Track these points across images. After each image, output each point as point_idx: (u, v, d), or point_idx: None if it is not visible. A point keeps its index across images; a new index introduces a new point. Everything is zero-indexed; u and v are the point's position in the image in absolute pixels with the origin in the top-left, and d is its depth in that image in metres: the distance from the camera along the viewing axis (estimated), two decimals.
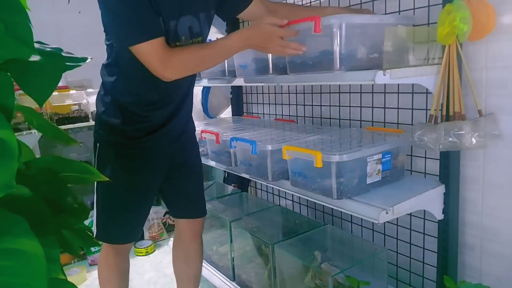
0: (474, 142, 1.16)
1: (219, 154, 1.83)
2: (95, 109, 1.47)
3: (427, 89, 1.30)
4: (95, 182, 1.41)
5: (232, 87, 2.48)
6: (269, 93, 2.28)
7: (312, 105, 1.98)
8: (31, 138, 2.27)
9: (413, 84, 1.46)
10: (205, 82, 1.94)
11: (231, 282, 1.95)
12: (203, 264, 1.76)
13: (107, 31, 1.31)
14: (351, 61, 1.19)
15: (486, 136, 1.18)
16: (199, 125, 1.90)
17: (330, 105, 1.87)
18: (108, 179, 0.78)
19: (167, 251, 2.66)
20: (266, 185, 2.40)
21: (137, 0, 1.15)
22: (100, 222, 1.44)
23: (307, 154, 1.27)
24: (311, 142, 1.44)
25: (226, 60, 1.74)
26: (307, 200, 2.08)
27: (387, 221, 1.34)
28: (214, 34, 1.45)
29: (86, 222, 2.28)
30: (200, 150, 1.72)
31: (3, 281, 0.43)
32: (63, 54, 0.69)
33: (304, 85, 2.00)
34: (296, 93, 2.07)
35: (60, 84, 2.25)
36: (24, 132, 2.29)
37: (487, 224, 1.33)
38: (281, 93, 2.18)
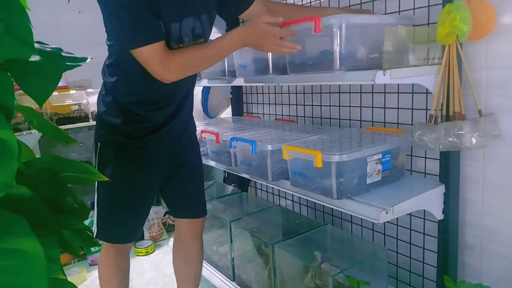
0: (474, 142, 1.16)
1: (219, 154, 1.83)
2: (96, 109, 1.47)
3: (427, 89, 1.30)
4: (96, 182, 1.41)
5: (232, 87, 2.48)
6: (269, 93, 2.28)
7: (312, 105, 1.98)
8: (31, 138, 2.27)
9: (413, 84, 1.46)
10: (205, 82, 1.94)
11: (231, 282, 1.95)
12: (203, 264, 1.76)
13: (108, 32, 1.31)
14: (351, 61, 1.19)
15: (486, 136, 1.18)
16: (199, 125, 1.90)
17: (330, 105, 1.87)
18: (108, 179, 0.79)
19: (167, 251, 2.66)
20: (266, 185, 2.40)
21: (138, 4, 1.15)
22: (100, 222, 1.45)
23: (307, 154, 1.27)
24: (311, 142, 1.44)
25: (226, 60, 1.75)
26: (307, 200, 2.08)
27: (387, 221, 1.34)
28: (214, 34, 1.45)
29: (86, 222, 2.28)
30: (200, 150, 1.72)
31: (3, 281, 0.43)
32: (63, 54, 0.69)
33: (304, 85, 2.00)
34: (296, 93, 2.07)
35: (60, 84, 2.25)
36: (24, 132, 2.29)
37: (487, 224, 1.33)
38: (281, 93, 2.18)
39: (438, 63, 1.24)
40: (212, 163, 1.92)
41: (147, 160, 1.43)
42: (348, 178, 1.24)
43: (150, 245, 2.69)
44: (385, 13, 1.53)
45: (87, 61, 0.75)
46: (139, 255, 2.64)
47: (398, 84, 1.53)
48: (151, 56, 1.20)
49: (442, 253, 1.35)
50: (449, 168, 1.31)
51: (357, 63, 1.21)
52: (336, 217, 1.93)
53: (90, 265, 2.54)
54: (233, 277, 1.98)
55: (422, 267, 1.55)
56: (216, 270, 2.07)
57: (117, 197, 1.42)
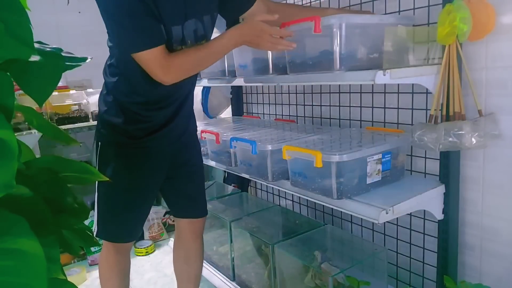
0: (474, 142, 1.16)
1: (219, 154, 1.83)
2: (96, 109, 1.47)
3: (427, 89, 1.30)
4: (96, 181, 1.41)
5: (232, 87, 2.48)
6: (269, 93, 2.28)
7: (312, 105, 1.98)
8: (31, 138, 2.27)
9: (413, 84, 1.46)
10: (205, 82, 1.94)
11: (231, 282, 1.95)
12: (203, 264, 1.76)
13: (109, 33, 1.32)
14: (351, 61, 1.19)
15: (486, 136, 1.18)
16: (199, 125, 1.90)
17: (330, 105, 1.87)
18: (108, 179, 0.79)
19: (167, 251, 2.66)
20: (266, 185, 2.40)
21: (138, 8, 1.15)
22: (100, 221, 1.45)
23: (307, 154, 1.27)
24: (311, 142, 1.44)
25: (226, 60, 1.75)
26: (307, 200, 2.08)
27: (387, 221, 1.34)
28: (214, 34, 1.45)
29: (86, 222, 2.28)
30: None
31: (3, 281, 0.43)
32: (63, 54, 0.69)
33: (304, 85, 2.00)
34: (296, 93, 2.07)
35: (60, 84, 2.25)
36: (24, 132, 2.29)
37: (487, 224, 1.33)
38: (281, 93, 2.18)
39: (438, 63, 1.24)
40: (212, 163, 1.92)
41: (147, 160, 1.44)
42: (348, 178, 1.24)
43: (150, 245, 2.69)
44: (385, 13, 1.53)
45: (87, 61, 0.75)
46: (139, 255, 2.64)
47: (398, 84, 1.53)
48: (152, 60, 1.21)
49: (442, 253, 1.35)
50: (449, 168, 1.31)
51: (357, 63, 1.21)
52: (336, 217, 1.93)
53: (90, 265, 2.54)
54: (233, 277, 1.98)
55: (422, 267, 1.55)
56: (216, 270, 2.07)
57: (117, 197, 1.43)
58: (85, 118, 2.71)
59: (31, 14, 0.58)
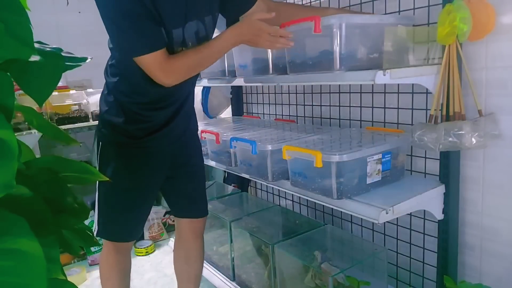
0: (474, 142, 1.16)
1: (219, 154, 1.83)
2: (96, 109, 1.48)
3: (427, 89, 1.30)
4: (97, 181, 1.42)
5: (232, 87, 2.48)
6: (269, 93, 2.28)
7: (312, 105, 1.98)
8: (31, 138, 2.27)
9: (413, 84, 1.46)
10: (205, 82, 1.94)
11: (231, 282, 1.95)
12: (203, 264, 1.76)
13: (109, 35, 1.32)
14: (351, 61, 1.19)
15: (486, 136, 1.18)
16: (199, 125, 1.91)
17: (330, 105, 1.87)
18: (108, 179, 0.79)
19: (167, 251, 2.66)
20: (266, 185, 2.40)
21: (138, 11, 1.16)
22: (101, 220, 1.46)
23: (307, 154, 1.27)
24: (311, 142, 1.44)
25: (226, 60, 1.75)
26: (307, 200, 2.08)
27: (387, 221, 1.34)
28: (214, 34, 1.46)
29: (86, 222, 2.28)
30: None
31: (3, 281, 0.43)
32: (63, 54, 0.69)
33: (304, 85, 2.00)
34: (296, 93, 2.07)
35: (60, 84, 2.25)
36: (24, 132, 2.29)
37: (487, 224, 1.33)
38: (281, 93, 2.18)
39: (438, 63, 1.24)
40: (212, 163, 1.92)
41: (148, 159, 1.44)
42: (348, 178, 1.24)
43: (150, 245, 2.69)
44: (385, 13, 1.53)
45: (87, 61, 0.75)
46: (139, 255, 2.64)
47: (398, 84, 1.53)
48: (152, 63, 1.21)
49: (442, 253, 1.35)
50: (449, 168, 1.31)
51: (357, 63, 1.21)
52: (336, 217, 1.93)
53: (90, 265, 2.54)
54: (233, 277, 1.98)
55: (422, 267, 1.55)
56: (216, 270, 2.07)
57: (118, 196, 1.43)
58: (85, 118, 2.71)
59: (31, 14, 0.58)
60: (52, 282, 0.57)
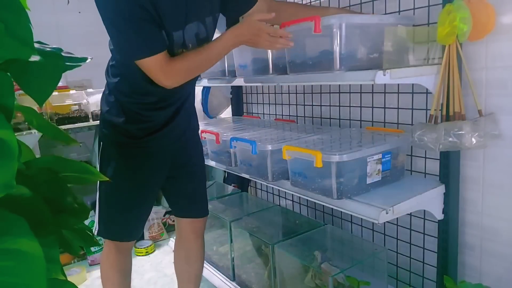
0: (474, 142, 1.16)
1: (219, 154, 1.83)
2: (96, 109, 1.48)
3: (427, 89, 1.30)
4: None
5: (232, 87, 2.48)
6: (269, 93, 2.28)
7: (312, 105, 1.98)
8: (31, 138, 2.27)
9: (413, 84, 1.46)
10: (205, 82, 1.94)
11: (231, 282, 1.95)
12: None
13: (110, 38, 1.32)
14: (351, 61, 1.19)
15: (486, 136, 1.18)
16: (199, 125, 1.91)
17: (330, 105, 1.87)
18: (108, 179, 0.79)
19: (167, 251, 2.66)
20: (266, 185, 2.40)
21: (139, 15, 1.16)
22: (102, 219, 1.46)
23: (307, 154, 1.27)
24: (311, 142, 1.43)
25: (226, 60, 1.75)
26: (307, 200, 2.08)
27: (387, 221, 1.34)
28: (215, 34, 1.46)
29: (86, 222, 2.28)
30: None
31: (3, 281, 0.43)
32: (63, 54, 0.69)
33: (304, 85, 2.00)
34: (296, 93, 2.07)
35: (60, 84, 2.25)
36: (24, 132, 2.29)
37: (487, 224, 1.33)
38: (281, 93, 2.18)
39: (438, 63, 1.24)
40: (212, 163, 1.92)
41: (148, 159, 1.44)
42: (348, 178, 1.24)
43: (150, 245, 2.69)
44: (385, 13, 1.53)
45: (87, 61, 0.75)
46: (139, 255, 2.64)
47: (398, 84, 1.53)
48: (153, 66, 1.22)
49: (442, 253, 1.35)
50: (449, 168, 1.31)
51: (357, 63, 1.21)
52: (336, 217, 1.93)
53: (90, 265, 2.54)
54: (233, 277, 1.98)
55: (422, 267, 1.55)
56: (216, 270, 2.07)
57: (118, 196, 1.43)
58: (85, 118, 2.71)
59: (31, 14, 0.58)
60: (52, 282, 0.57)
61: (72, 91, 2.76)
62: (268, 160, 1.47)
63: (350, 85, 1.74)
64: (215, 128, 1.87)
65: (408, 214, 1.55)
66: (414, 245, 1.57)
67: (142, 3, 1.15)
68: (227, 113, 2.73)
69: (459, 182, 1.34)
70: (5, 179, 0.44)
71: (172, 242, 2.35)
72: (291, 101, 2.12)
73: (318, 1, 1.84)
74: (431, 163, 1.46)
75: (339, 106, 1.82)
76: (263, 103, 2.34)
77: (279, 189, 1.83)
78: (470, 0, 1.15)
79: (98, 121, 1.52)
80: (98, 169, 1.44)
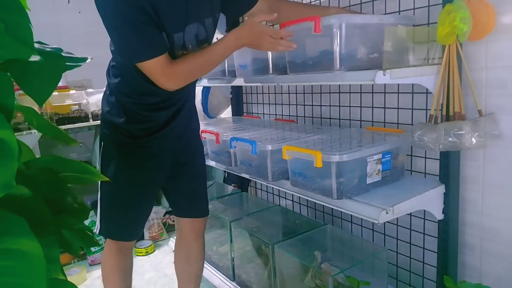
0: (474, 142, 1.16)
1: (219, 154, 1.83)
2: (97, 109, 1.48)
3: (427, 89, 1.30)
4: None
5: (232, 87, 2.48)
6: (269, 93, 2.28)
7: (312, 105, 1.98)
8: (31, 138, 2.27)
9: (413, 84, 1.46)
10: (205, 82, 1.94)
11: (231, 282, 1.95)
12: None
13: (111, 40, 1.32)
14: (351, 61, 1.19)
15: (486, 136, 1.18)
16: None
17: (330, 105, 1.87)
18: (108, 179, 0.79)
19: (167, 251, 2.66)
20: (266, 185, 2.40)
21: (139, 18, 1.16)
22: (103, 219, 1.47)
23: (307, 154, 1.27)
24: (311, 142, 1.43)
25: (226, 60, 1.75)
26: (307, 200, 2.08)
27: (387, 221, 1.34)
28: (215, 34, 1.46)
29: (86, 222, 2.28)
30: None
31: (3, 281, 0.43)
32: (63, 54, 0.69)
33: (304, 85, 2.00)
34: (296, 93, 2.07)
35: (60, 84, 2.25)
36: (24, 132, 2.29)
37: (487, 224, 1.33)
38: (281, 93, 2.18)
39: (438, 63, 1.24)
40: (212, 163, 1.92)
41: (149, 159, 1.44)
42: (348, 178, 1.24)
43: (150, 245, 2.69)
44: (385, 13, 1.53)
45: (87, 61, 0.75)
46: (139, 255, 2.64)
47: (398, 84, 1.53)
48: (155, 68, 1.22)
49: (442, 253, 1.35)
50: (449, 168, 1.31)
51: (357, 63, 1.21)
52: (336, 217, 1.93)
53: (90, 265, 2.54)
54: (233, 277, 1.98)
55: (422, 267, 1.55)
56: (216, 270, 2.07)
57: (119, 195, 1.43)
58: (85, 118, 2.71)
59: (31, 14, 0.58)
60: (52, 282, 0.57)
61: (72, 91, 2.76)
62: (268, 160, 1.47)
63: (350, 85, 1.74)
64: (215, 128, 1.87)
65: (408, 214, 1.55)
66: (414, 245, 1.57)
67: (142, 5, 1.15)
68: (227, 113, 2.73)
69: (459, 182, 1.34)
70: (5, 179, 0.44)
71: (172, 242, 2.35)
72: (291, 101, 2.12)
73: (318, 1, 1.84)
74: (431, 163, 1.46)
75: (339, 106, 1.82)
76: (263, 103, 2.34)
77: (279, 189, 1.83)
78: (470, 0, 1.15)
79: (98, 121, 1.52)
80: (99, 169, 1.44)
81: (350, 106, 1.77)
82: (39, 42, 0.67)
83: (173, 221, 2.86)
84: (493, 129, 1.20)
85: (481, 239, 1.35)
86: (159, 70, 1.22)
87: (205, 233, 1.70)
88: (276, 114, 2.25)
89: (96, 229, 1.48)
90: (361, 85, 1.69)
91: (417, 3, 1.41)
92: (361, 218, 1.30)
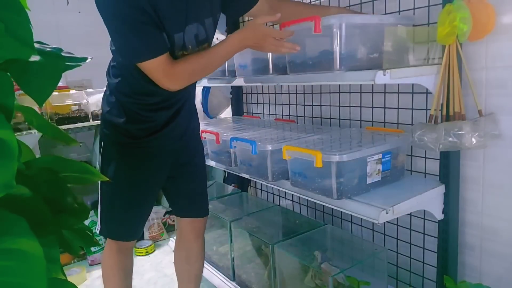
0: (474, 142, 1.16)
1: (219, 154, 1.83)
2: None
3: (427, 89, 1.30)
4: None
5: (232, 87, 2.48)
6: (269, 93, 2.28)
7: (312, 105, 1.98)
8: (31, 138, 2.27)
9: (413, 84, 1.46)
10: (205, 82, 1.94)
11: (231, 282, 1.95)
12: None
13: (112, 39, 1.32)
14: (351, 61, 1.19)
15: (486, 136, 1.18)
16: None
17: (330, 105, 1.87)
18: (108, 179, 0.79)
19: (167, 251, 2.66)
20: (266, 185, 2.40)
21: (140, 18, 1.16)
22: (103, 218, 1.47)
23: (307, 154, 1.27)
24: (311, 142, 1.43)
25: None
26: (307, 200, 2.08)
27: (387, 221, 1.34)
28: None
29: (86, 222, 2.28)
30: None
31: (3, 281, 0.43)
32: (63, 54, 0.69)
33: (304, 85, 2.00)
34: (296, 93, 2.07)
35: (60, 84, 2.25)
36: (24, 132, 2.29)
37: (487, 224, 1.33)
38: (281, 93, 2.18)
39: (438, 63, 1.24)
40: (212, 163, 1.92)
41: (149, 159, 1.44)
42: (348, 178, 1.24)
43: (150, 245, 2.69)
44: (385, 13, 1.53)
45: (87, 61, 0.75)
46: (139, 255, 2.64)
47: (398, 84, 1.53)
48: (156, 68, 1.22)
49: (442, 253, 1.35)
50: (449, 168, 1.31)
51: (357, 63, 1.21)
52: (336, 217, 1.93)
53: (90, 265, 2.54)
54: (233, 277, 1.98)
55: (422, 267, 1.55)
56: (216, 270, 2.07)
57: (119, 195, 1.43)
58: (85, 118, 2.71)
59: (31, 14, 0.58)
60: (52, 282, 0.57)
61: (72, 91, 2.76)
62: (268, 160, 1.47)
63: (350, 85, 1.74)
64: (215, 128, 1.87)
65: (408, 214, 1.55)
66: (414, 245, 1.57)
67: (142, 6, 1.15)
68: (227, 113, 2.73)
69: (459, 182, 1.34)
70: (5, 179, 0.44)
71: (172, 242, 2.35)
72: (291, 101, 2.12)
73: (318, 1, 1.84)
74: (431, 163, 1.46)
75: (339, 106, 1.82)
76: (263, 103, 2.34)
77: (279, 189, 1.84)
78: (470, 0, 1.15)
79: (98, 121, 1.52)
80: (99, 169, 1.44)
81: (350, 106, 1.77)
82: (39, 42, 0.67)
83: (173, 221, 2.86)
84: (493, 129, 1.20)
85: (481, 239, 1.35)
86: (160, 70, 1.22)
87: (205, 233, 1.70)
88: (276, 114, 2.25)
89: (97, 229, 1.48)
90: (361, 85, 1.69)
91: (417, 3, 1.41)
92: (361, 218, 1.30)
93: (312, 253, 1.61)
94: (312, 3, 1.87)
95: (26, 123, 2.28)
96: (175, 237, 1.76)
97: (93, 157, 2.88)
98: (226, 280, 1.98)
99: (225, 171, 2.77)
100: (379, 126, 1.63)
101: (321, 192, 1.30)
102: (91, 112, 2.74)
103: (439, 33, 1.18)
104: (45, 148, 2.57)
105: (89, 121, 2.72)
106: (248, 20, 2.30)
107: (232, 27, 2.34)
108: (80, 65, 0.73)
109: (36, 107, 1.04)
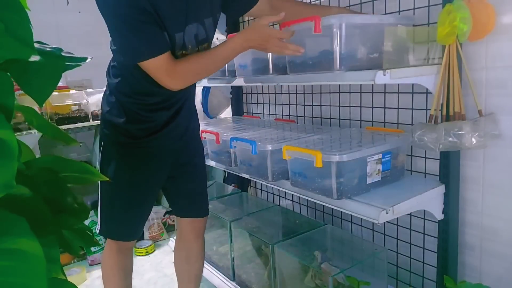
0: (474, 142, 1.16)
1: (219, 154, 1.83)
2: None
3: (427, 89, 1.30)
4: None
5: (232, 87, 2.48)
6: (269, 93, 2.28)
7: (312, 105, 1.98)
8: (31, 138, 2.27)
9: (413, 84, 1.46)
10: (205, 82, 1.94)
11: (231, 282, 1.95)
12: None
13: (112, 39, 1.32)
14: (351, 61, 1.19)
15: (486, 136, 1.18)
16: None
17: (330, 105, 1.87)
18: (108, 179, 0.79)
19: (167, 251, 2.66)
20: (266, 185, 2.40)
21: (141, 17, 1.16)
22: (103, 219, 1.47)
23: (307, 154, 1.27)
24: (311, 142, 1.44)
25: None
26: (307, 200, 2.08)
27: (387, 221, 1.34)
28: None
29: (86, 222, 2.28)
30: None
31: (3, 281, 0.43)
32: (63, 54, 0.69)
33: (304, 85, 2.00)
34: (296, 93, 2.07)
35: (60, 84, 2.25)
36: (24, 132, 2.29)
37: (487, 224, 1.33)
38: (281, 93, 2.18)
39: (438, 63, 1.24)
40: (212, 163, 1.92)
41: (149, 159, 1.44)
42: (348, 178, 1.24)
43: (150, 245, 2.69)
44: (385, 13, 1.53)
45: (87, 61, 0.75)
46: (139, 255, 2.64)
47: (398, 84, 1.53)
48: (158, 67, 1.22)
49: (442, 253, 1.35)
50: (449, 168, 1.31)
51: (357, 63, 1.21)
52: (336, 217, 1.93)
53: (90, 265, 2.54)
54: (233, 277, 1.98)
55: (422, 267, 1.55)
56: (216, 270, 2.07)
57: (119, 195, 1.44)
58: (85, 118, 2.71)
59: (31, 14, 0.58)
60: (52, 282, 0.57)
61: (72, 91, 2.76)
62: (268, 160, 1.47)
63: (350, 85, 1.74)
64: (215, 128, 1.87)
65: (408, 214, 1.55)
66: (414, 245, 1.57)
67: (142, 5, 1.15)
68: (227, 113, 2.73)
69: (459, 182, 1.34)
70: (5, 179, 0.44)
71: (172, 242, 2.35)
72: (291, 101, 2.12)
73: (318, 1, 1.84)
74: (431, 163, 1.46)
75: (339, 106, 1.82)
76: (263, 103, 2.34)
77: (279, 189, 1.83)
78: (470, 0, 1.15)
79: (98, 121, 1.52)
80: (99, 169, 1.44)
81: (350, 106, 1.77)
82: (39, 42, 0.67)
83: (173, 221, 2.86)
84: (493, 129, 1.20)
85: (481, 239, 1.35)
86: (162, 69, 1.22)
87: (205, 233, 1.70)
88: (276, 114, 2.25)
89: (97, 229, 1.48)
90: (361, 85, 1.69)
91: (417, 3, 1.41)
92: (361, 218, 1.30)
93: (312, 253, 1.61)
94: (312, 3, 1.87)
95: (26, 123, 2.28)
96: (175, 237, 1.76)
97: (93, 157, 2.88)
98: (226, 280, 1.98)
99: (225, 171, 2.77)
100: (379, 126, 1.63)
101: (321, 192, 1.30)
102: (91, 112, 2.74)
103: (439, 33, 1.18)
104: (45, 148, 2.57)
105: (89, 121, 2.72)
106: (248, 20, 2.30)
107: (232, 27, 2.34)
108: (80, 65, 0.73)
109: (36, 107, 1.04)
